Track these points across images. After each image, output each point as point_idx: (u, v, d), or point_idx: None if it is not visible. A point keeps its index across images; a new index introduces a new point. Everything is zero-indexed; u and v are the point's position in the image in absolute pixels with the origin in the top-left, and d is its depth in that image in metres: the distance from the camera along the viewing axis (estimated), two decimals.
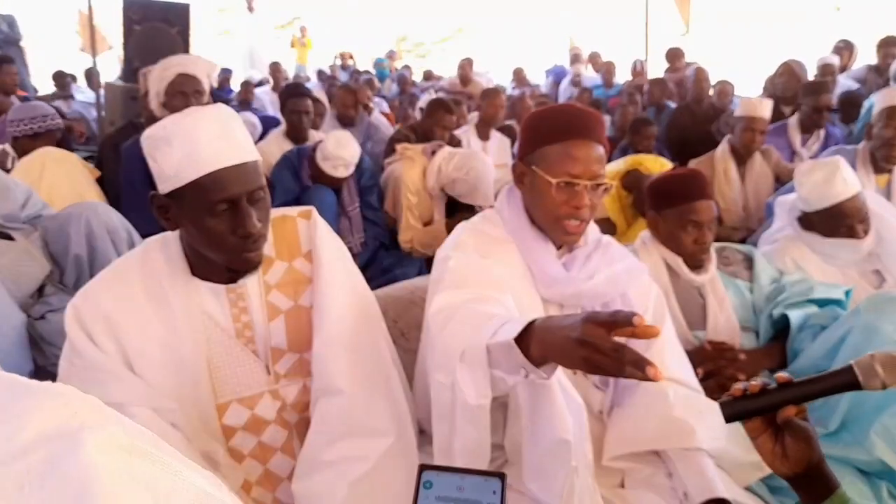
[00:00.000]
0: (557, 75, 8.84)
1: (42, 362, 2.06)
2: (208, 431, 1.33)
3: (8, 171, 3.01)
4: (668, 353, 1.53)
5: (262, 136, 4.34)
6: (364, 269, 2.99)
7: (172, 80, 2.71)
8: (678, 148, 4.65)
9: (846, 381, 0.96)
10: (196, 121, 1.20)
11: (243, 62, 11.46)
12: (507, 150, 4.60)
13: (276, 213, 1.40)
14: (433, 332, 1.25)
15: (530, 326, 1.03)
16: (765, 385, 1.01)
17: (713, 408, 1.46)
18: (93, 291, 1.30)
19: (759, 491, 1.47)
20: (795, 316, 1.91)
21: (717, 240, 2.07)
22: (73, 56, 9.78)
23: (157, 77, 2.74)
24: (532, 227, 1.50)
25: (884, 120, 2.85)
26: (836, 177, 2.11)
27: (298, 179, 3.37)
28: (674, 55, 7.19)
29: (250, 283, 1.36)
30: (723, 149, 3.64)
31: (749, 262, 2.15)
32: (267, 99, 7.28)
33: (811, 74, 5.19)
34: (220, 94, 7.09)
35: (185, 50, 4.57)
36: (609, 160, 3.26)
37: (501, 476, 0.76)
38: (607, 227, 3.38)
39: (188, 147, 1.18)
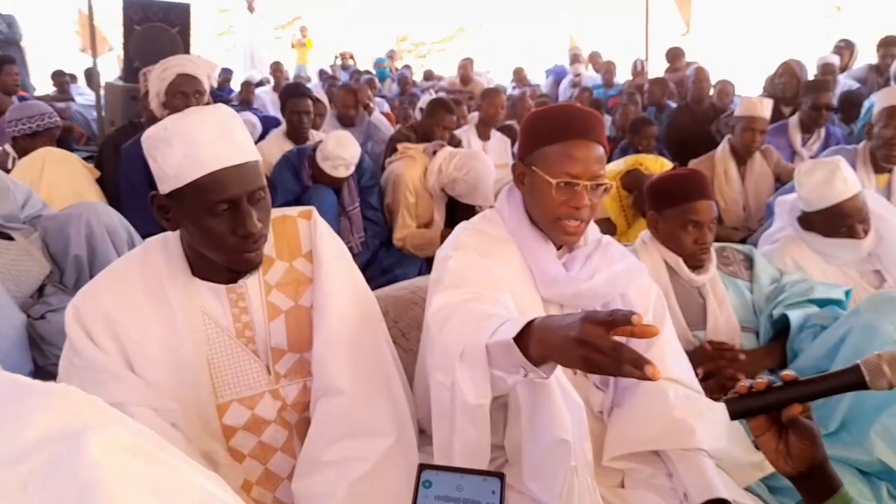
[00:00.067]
0: (557, 75, 8.83)
1: (42, 362, 2.06)
2: (208, 431, 1.33)
3: (8, 171, 3.01)
4: (668, 353, 1.53)
5: (262, 136, 4.33)
6: (364, 269, 2.99)
7: (173, 81, 2.71)
8: (678, 148, 4.65)
9: (853, 380, 0.97)
10: (196, 121, 1.20)
11: (243, 62, 11.47)
12: (508, 150, 4.59)
13: (276, 213, 1.40)
14: (433, 331, 1.25)
15: (529, 326, 1.03)
16: (770, 383, 1.01)
17: (713, 408, 1.47)
18: (93, 291, 1.30)
19: (758, 491, 1.47)
20: (795, 316, 1.90)
21: (717, 240, 2.07)
22: (73, 56, 9.79)
23: (158, 77, 2.74)
24: (532, 227, 1.50)
25: (884, 119, 2.85)
26: (836, 177, 2.11)
27: (299, 179, 3.37)
28: (674, 55, 7.19)
29: (251, 283, 1.36)
30: (723, 149, 3.64)
31: (749, 262, 2.15)
32: (268, 99, 7.28)
33: (811, 74, 5.19)
34: (221, 94, 7.09)
35: (186, 50, 4.57)
36: (609, 160, 3.29)
37: (500, 476, 0.76)
38: (607, 227, 3.38)
39: (188, 147, 1.18)
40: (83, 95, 7.61)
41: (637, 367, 0.87)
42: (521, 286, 1.45)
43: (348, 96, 4.93)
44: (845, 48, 6.16)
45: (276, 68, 8.60)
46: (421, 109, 4.76)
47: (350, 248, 2.06)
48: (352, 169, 3.32)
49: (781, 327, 1.97)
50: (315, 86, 7.55)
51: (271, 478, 1.39)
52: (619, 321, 0.91)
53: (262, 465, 1.38)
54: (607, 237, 1.58)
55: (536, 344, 1.01)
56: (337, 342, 1.35)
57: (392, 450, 1.32)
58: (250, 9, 11.76)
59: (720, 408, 1.46)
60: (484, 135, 4.59)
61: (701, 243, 1.96)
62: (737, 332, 1.97)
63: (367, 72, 9.87)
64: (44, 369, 2.04)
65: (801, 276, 2.12)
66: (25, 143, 3.27)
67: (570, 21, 12.49)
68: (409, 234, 3.50)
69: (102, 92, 5.16)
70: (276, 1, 13.63)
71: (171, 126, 1.20)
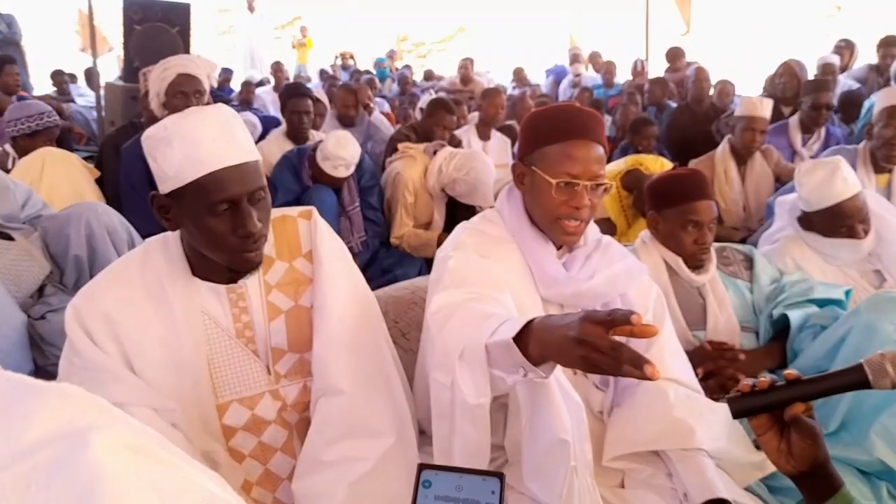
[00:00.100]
0: (558, 75, 8.84)
1: (42, 362, 2.06)
2: (208, 431, 1.33)
3: (8, 171, 3.01)
4: (668, 353, 1.53)
5: (262, 136, 4.34)
6: (364, 269, 3.00)
7: (173, 81, 2.71)
8: (678, 148, 4.65)
9: (856, 379, 0.97)
10: (196, 121, 1.20)
11: (244, 62, 11.47)
12: (508, 150, 4.59)
13: (276, 213, 1.40)
14: (433, 331, 1.25)
15: (529, 325, 1.03)
16: (773, 381, 1.01)
17: (713, 408, 1.48)
18: (93, 291, 1.30)
19: (759, 491, 1.47)
20: (795, 316, 1.91)
21: (717, 240, 2.07)
22: (73, 56, 9.80)
23: (158, 77, 2.74)
24: (532, 227, 1.50)
25: (884, 119, 2.85)
26: (836, 176, 2.11)
27: (299, 179, 3.37)
28: (674, 55, 7.19)
29: (251, 284, 1.36)
30: (723, 149, 3.64)
31: (749, 262, 2.15)
32: (268, 98, 7.28)
33: (811, 74, 5.19)
34: (221, 94, 7.09)
35: (186, 50, 4.57)
36: (609, 160, 3.29)
37: (500, 476, 0.76)
38: (607, 227, 3.38)
39: (189, 147, 1.18)
40: (84, 96, 7.62)
41: (636, 366, 0.87)
42: (521, 286, 1.45)
43: (348, 96, 4.94)
44: (845, 48, 6.16)
45: (277, 68, 8.61)
46: (421, 109, 4.76)
47: (350, 248, 2.06)
48: (352, 169, 3.32)
49: (781, 327, 1.97)
50: (315, 86, 7.56)
51: (271, 478, 1.39)
52: (619, 321, 0.91)
53: (262, 465, 1.38)
54: (607, 237, 1.59)
55: (536, 344, 1.01)
56: (337, 342, 1.35)
57: (392, 450, 1.32)
58: (250, 9, 11.76)
59: (720, 408, 1.47)
60: (484, 135, 4.59)
61: (701, 243, 1.96)
62: (737, 332, 1.97)
63: (368, 72, 9.87)
64: (44, 369, 2.04)
65: (801, 276, 2.12)
66: (25, 143, 3.27)
67: (570, 21, 12.49)
68: (406, 234, 3.50)
69: (102, 92, 5.16)
70: (276, 1, 13.63)
71: (172, 126, 1.20)
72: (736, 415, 1.02)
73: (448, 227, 3.44)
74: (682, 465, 1.38)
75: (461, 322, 1.20)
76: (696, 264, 1.99)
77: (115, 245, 2.22)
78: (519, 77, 9.13)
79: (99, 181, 3.12)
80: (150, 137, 1.22)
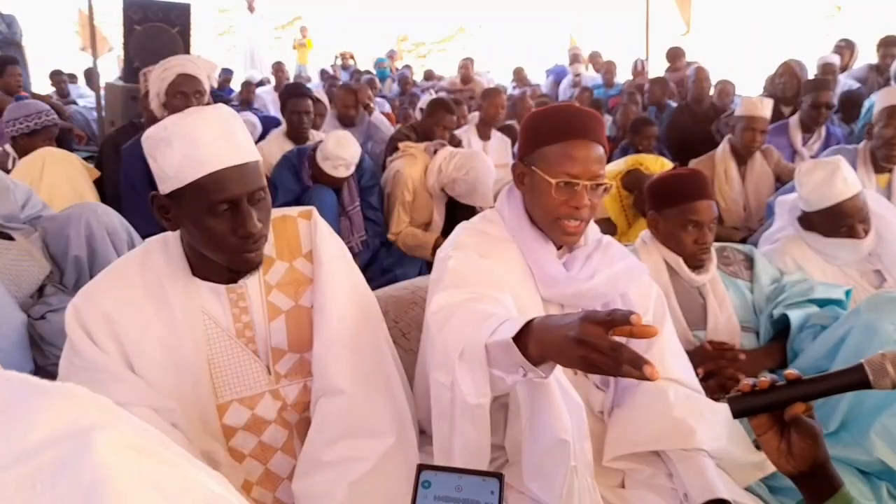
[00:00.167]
0: (558, 75, 8.84)
1: (42, 362, 2.06)
2: (209, 431, 1.33)
3: (8, 171, 3.01)
4: (668, 353, 1.53)
5: (262, 137, 4.34)
6: (365, 268, 3.00)
7: (173, 81, 2.71)
8: (679, 148, 4.65)
9: (856, 379, 0.97)
10: (196, 121, 1.20)
11: (244, 62, 11.48)
12: (508, 149, 4.60)
13: (276, 213, 1.40)
14: (433, 331, 1.25)
15: (529, 325, 1.03)
16: (774, 381, 1.01)
17: (714, 408, 1.48)
18: (93, 291, 1.30)
19: (759, 491, 1.47)
20: (796, 316, 1.91)
21: (717, 240, 2.07)
22: (73, 56, 9.80)
23: (158, 77, 2.74)
24: (532, 227, 1.50)
25: (884, 119, 2.85)
26: (836, 176, 2.11)
27: (299, 180, 3.37)
28: (674, 55, 7.19)
29: (251, 284, 1.36)
30: (723, 148, 3.64)
31: (749, 261, 2.15)
32: (269, 98, 7.28)
33: (811, 74, 5.19)
34: (221, 94, 7.09)
35: (186, 50, 4.58)
36: (609, 160, 3.29)
37: (499, 476, 0.76)
38: (607, 227, 3.38)
39: (189, 147, 1.18)
40: (84, 97, 7.62)
41: (636, 367, 0.87)
42: (521, 286, 1.45)
43: (348, 96, 4.94)
44: (845, 48, 6.16)
45: (278, 68, 8.61)
46: (421, 109, 4.76)
47: (350, 248, 2.06)
48: (352, 169, 3.32)
49: (782, 327, 1.97)
50: (316, 86, 7.56)
51: (271, 478, 1.39)
52: (618, 321, 0.91)
53: (263, 465, 1.38)
54: (607, 237, 1.58)
55: (535, 344, 1.01)
56: (337, 342, 1.35)
57: (392, 450, 1.32)
58: (250, 9, 11.76)
59: (720, 408, 1.47)
60: (484, 135, 4.59)
61: (701, 243, 1.96)
62: (737, 332, 1.97)
63: (368, 72, 9.88)
64: (44, 369, 2.04)
65: (802, 276, 2.12)
66: (25, 143, 3.27)
67: (570, 21, 12.50)
68: (403, 232, 3.50)
69: (102, 92, 5.16)
70: (276, 1, 13.64)
71: (172, 126, 1.20)
72: (736, 415, 1.03)
73: (448, 228, 3.44)
74: (683, 465, 1.38)
75: (461, 322, 1.20)
76: (696, 264, 1.99)
77: (114, 245, 2.22)
78: (519, 77, 9.13)
79: (99, 181, 3.12)
80: (150, 137, 1.23)
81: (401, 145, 3.69)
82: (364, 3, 14.79)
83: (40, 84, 7.86)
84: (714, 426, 1.43)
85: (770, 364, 1.93)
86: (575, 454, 1.14)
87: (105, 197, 3.07)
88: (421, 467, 0.77)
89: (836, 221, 2.15)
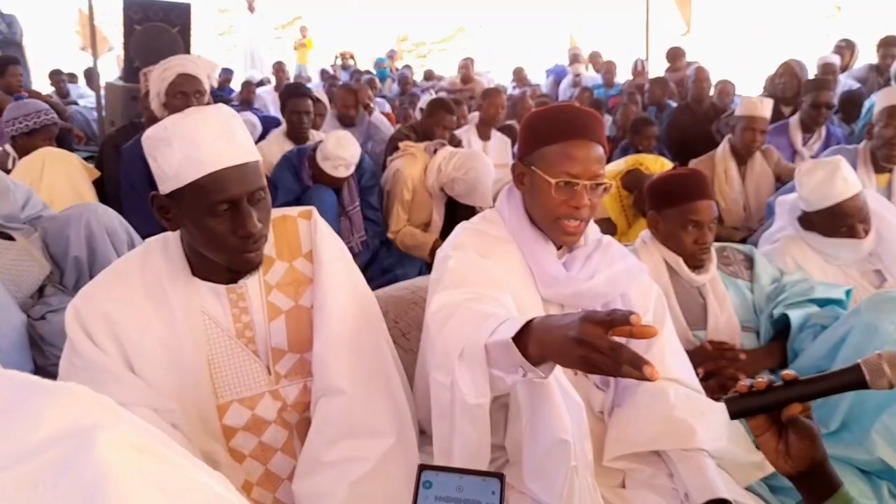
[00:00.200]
0: (558, 75, 8.84)
1: (42, 363, 2.06)
2: (209, 432, 1.33)
3: (8, 171, 3.01)
4: (668, 353, 1.53)
5: (262, 137, 4.34)
6: (365, 268, 3.00)
7: (173, 81, 2.71)
8: (679, 148, 4.65)
9: (853, 379, 0.97)
10: (197, 121, 1.20)
11: (244, 62, 11.48)
12: (508, 149, 4.60)
13: (276, 213, 1.40)
14: (433, 331, 1.25)
15: (528, 325, 1.03)
16: (771, 382, 1.01)
17: (714, 408, 1.47)
18: (93, 292, 1.30)
19: (759, 491, 1.47)
20: (796, 316, 1.90)
21: (717, 240, 2.07)
22: (73, 56, 9.80)
23: (158, 77, 2.74)
24: (532, 227, 1.50)
25: (885, 119, 2.85)
26: (836, 176, 2.11)
27: (299, 180, 3.37)
28: (674, 55, 7.19)
29: (251, 284, 1.36)
30: (723, 148, 3.64)
31: (749, 261, 2.15)
32: (269, 98, 7.28)
33: (811, 74, 5.19)
34: (221, 94, 7.09)
35: (186, 50, 4.58)
36: (609, 160, 3.29)
37: (500, 476, 0.76)
38: (607, 227, 3.38)
39: (189, 147, 1.18)
40: (84, 98, 7.61)
41: (635, 367, 0.87)
42: (521, 286, 1.45)
43: (348, 96, 4.94)
44: (846, 48, 6.16)
45: (279, 68, 8.62)
46: (421, 109, 4.76)
47: (350, 248, 2.06)
48: (352, 169, 3.32)
49: (782, 327, 1.97)
50: (316, 86, 7.56)
51: (272, 478, 1.38)
52: (618, 321, 0.91)
53: (263, 465, 1.38)
54: (607, 237, 1.58)
55: (535, 344, 1.01)
56: (337, 342, 1.35)
57: (392, 450, 1.31)
58: (250, 9, 11.77)
59: (721, 408, 1.46)
60: (484, 135, 4.59)
61: (701, 243, 1.96)
62: (737, 331, 1.97)
63: (368, 72, 9.88)
64: (44, 370, 2.04)
65: (802, 276, 2.12)
66: (24, 142, 3.27)
67: (570, 21, 12.50)
68: (402, 231, 3.50)
69: (103, 92, 5.16)
70: (276, 1, 13.64)
71: (172, 126, 1.20)
72: (733, 415, 1.02)
73: (447, 228, 3.44)
74: (683, 465, 1.38)
75: (461, 322, 1.20)
76: (696, 264, 1.99)
77: (114, 246, 2.22)
78: (519, 77, 9.13)
79: (99, 181, 3.12)
80: (151, 137, 1.22)
81: (401, 145, 3.69)
82: (364, 3, 14.80)
83: (40, 84, 7.86)
84: (714, 426, 1.43)
85: (770, 364, 1.93)
86: (575, 454, 1.14)
87: (105, 197, 3.07)
88: (422, 467, 0.77)
89: (837, 221, 2.15)
